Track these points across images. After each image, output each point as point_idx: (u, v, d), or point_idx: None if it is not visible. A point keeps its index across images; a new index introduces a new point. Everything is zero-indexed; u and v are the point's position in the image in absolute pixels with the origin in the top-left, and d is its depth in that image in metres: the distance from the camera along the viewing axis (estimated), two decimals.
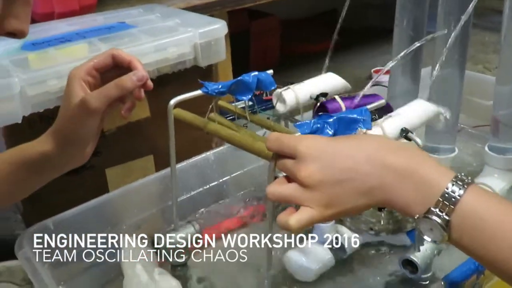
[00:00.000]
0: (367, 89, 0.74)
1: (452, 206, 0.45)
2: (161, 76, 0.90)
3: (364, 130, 0.62)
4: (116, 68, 0.69)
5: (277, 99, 0.82)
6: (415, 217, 0.47)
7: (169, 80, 0.91)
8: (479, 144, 1.12)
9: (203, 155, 0.98)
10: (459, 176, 0.47)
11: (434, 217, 0.46)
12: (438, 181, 0.47)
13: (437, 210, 0.46)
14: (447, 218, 0.46)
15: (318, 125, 0.59)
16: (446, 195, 0.46)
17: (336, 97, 0.65)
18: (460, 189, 0.46)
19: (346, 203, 0.51)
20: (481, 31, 2.40)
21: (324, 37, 2.07)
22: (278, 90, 0.82)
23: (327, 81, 0.86)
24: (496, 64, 1.00)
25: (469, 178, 0.47)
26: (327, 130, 0.60)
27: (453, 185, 0.46)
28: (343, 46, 1.58)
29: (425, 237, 0.47)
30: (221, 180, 1.00)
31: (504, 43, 0.92)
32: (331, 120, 0.60)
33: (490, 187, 0.95)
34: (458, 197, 0.46)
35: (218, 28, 0.93)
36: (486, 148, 0.99)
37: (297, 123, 0.60)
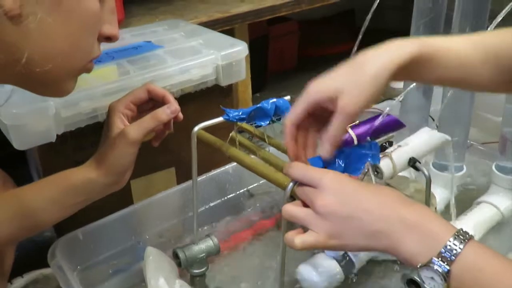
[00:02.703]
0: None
1: (454, 257, 0.49)
2: (184, 94, 0.95)
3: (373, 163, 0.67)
4: (151, 100, 0.77)
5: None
6: (418, 266, 0.51)
7: (191, 98, 0.96)
8: (488, 161, 1.13)
9: (222, 168, 1.02)
10: (461, 231, 0.51)
11: (436, 267, 0.50)
12: (441, 235, 0.51)
13: (439, 260, 0.50)
14: (447, 268, 0.49)
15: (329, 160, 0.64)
16: (448, 247, 0.50)
17: (349, 129, 0.69)
18: (461, 243, 0.50)
19: (349, 239, 0.56)
20: None
21: (342, 38, 2.10)
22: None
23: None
24: None
25: (470, 234, 0.51)
26: (338, 164, 0.65)
27: (455, 239, 0.50)
28: (359, 48, 1.58)
29: (426, 286, 0.51)
30: (238, 192, 1.05)
31: None
32: (342, 155, 0.65)
33: (495, 205, 0.98)
34: (459, 250, 0.50)
35: (239, 50, 0.97)
36: (493, 167, 1.01)
37: (310, 158, 0.65)
